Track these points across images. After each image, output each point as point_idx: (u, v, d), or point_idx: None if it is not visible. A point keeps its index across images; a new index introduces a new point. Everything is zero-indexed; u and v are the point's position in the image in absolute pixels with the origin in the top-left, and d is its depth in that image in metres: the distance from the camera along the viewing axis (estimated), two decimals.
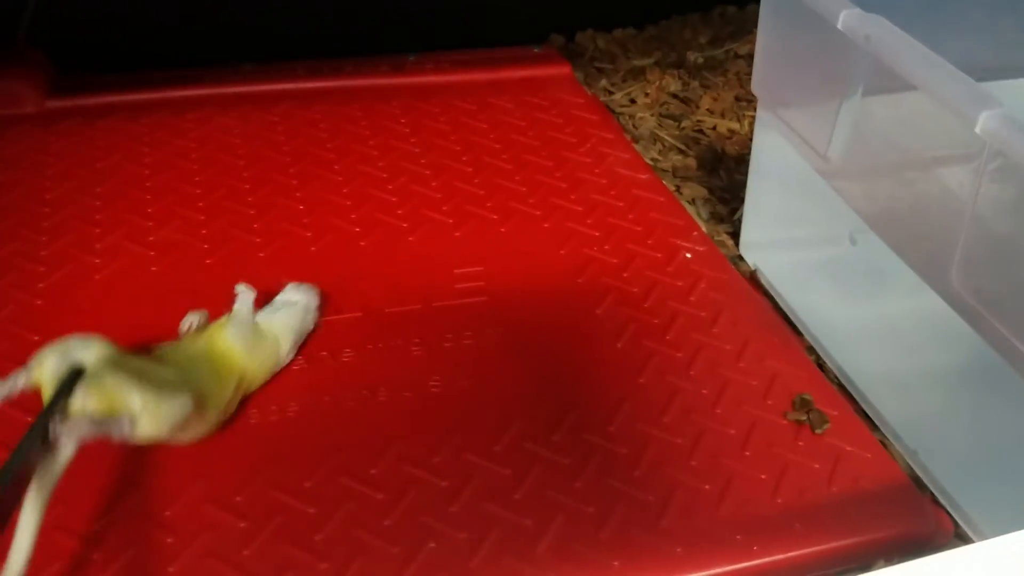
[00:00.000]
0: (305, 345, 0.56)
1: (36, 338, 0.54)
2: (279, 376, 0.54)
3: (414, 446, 0.50)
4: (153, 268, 0.60)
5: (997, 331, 0.45)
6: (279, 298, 0.56)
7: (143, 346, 0.51)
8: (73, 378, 0.43)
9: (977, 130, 0.42)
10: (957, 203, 0.47)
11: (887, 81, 0.49)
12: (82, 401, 0.43)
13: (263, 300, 0.55)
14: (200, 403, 0.47)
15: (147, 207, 0.65)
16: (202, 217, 0.65)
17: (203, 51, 0.83)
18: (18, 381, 0.44)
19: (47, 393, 0.43)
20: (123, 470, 0.48)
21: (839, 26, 0.50)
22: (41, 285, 0.58)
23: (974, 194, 0.45)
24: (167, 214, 0.65)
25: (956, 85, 0.43)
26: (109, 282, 0.59)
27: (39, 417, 0.42)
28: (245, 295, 0.53)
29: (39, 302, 0.57)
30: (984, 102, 0.42)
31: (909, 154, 0.53)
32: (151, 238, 0.62)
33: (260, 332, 0.52)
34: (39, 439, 0.41)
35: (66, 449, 0.42)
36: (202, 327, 0.52)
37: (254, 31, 0.86)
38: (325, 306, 0.58)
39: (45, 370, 0.44)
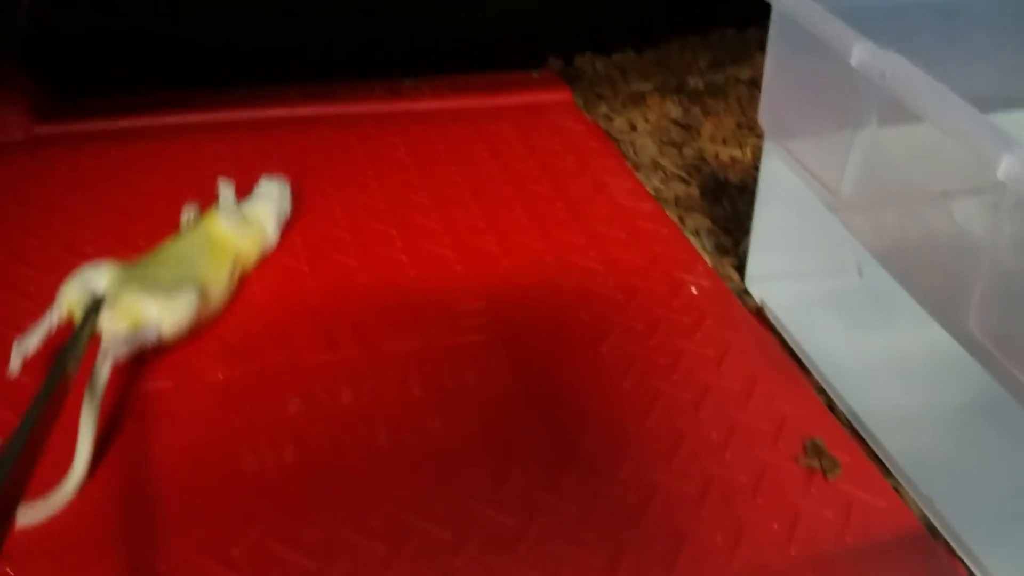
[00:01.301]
0: (303, 386, 0.54)
1: (25, 380, 0.52)
2: (275, 417, 0.52)
3: (415, 493, 0.49)
4: None
5: (1014, 376, 0.44)
6: (256, 191, 0.64)
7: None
8: (95, 305, 0.51)
9: (999, 174, 0.40)
10: (974, 243, 0.46)
11: (900, 113, 0.48)
12: (110, 324, 0.51)
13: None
14: (204, 291, 0.55)
15: (138, 239, 0.63)
16: None
17: (195, 73, 0.81)
18: (52, 318, 0.52)
19: (78, 317, 0.51)
20: (113, 519, 0.46)
21: (852, 62, 0.49)
22: (29, 322, 0.56)
23: (993, 236, 0.43)
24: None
25: (976, 127, 0.42)
26: None
27: (71, 340, 0.49)
28: (226, 188, 0.62)
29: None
30: (1005, 144, 0.41)
31: (921, 189, 0.52)
32: None
33: (246, 217, 0.62)
34: (74, 359, 0.48)
35: (105, 367, 0.49)
36: (197, 218, 0.61)
37: (246, 53, 0.85)
38: (323, 343, 0.57)
39: (71, 300, 0.52)
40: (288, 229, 0.66)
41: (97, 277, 0.53)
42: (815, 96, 0.57)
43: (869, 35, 0.52)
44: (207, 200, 0.63)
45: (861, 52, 0.48)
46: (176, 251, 0.57)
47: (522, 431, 0.53)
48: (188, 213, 0.62)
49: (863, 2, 0.61)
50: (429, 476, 0.50)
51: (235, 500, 0.47)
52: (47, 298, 0.58)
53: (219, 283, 0.57)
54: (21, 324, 0.56)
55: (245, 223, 0.61)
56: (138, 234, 0.64)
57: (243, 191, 0.68)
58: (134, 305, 0.52)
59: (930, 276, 0.50)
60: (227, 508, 0.47)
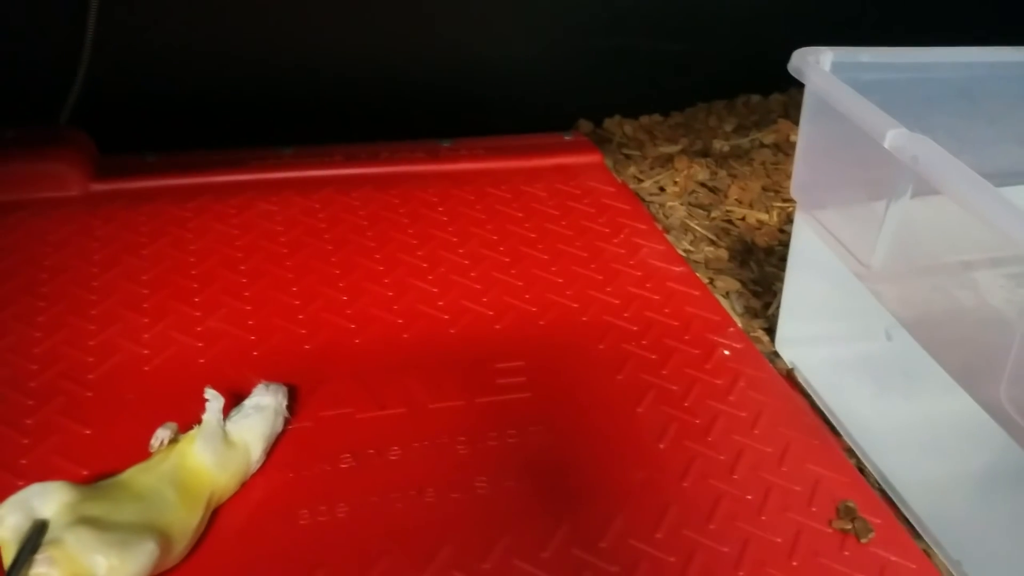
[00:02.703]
0: (353, 442, 0.56)
1: (88, 432, 0.55)
2: (330, 474, 0.54)
3: (462, 551, 0.50)
4: (201, 360, 0.61)
5: None
6: (249, 402, 0.55)
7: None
8: (36, 536, 0.43)
9: None
10: (1001, 316, 0.48)
11: (929, 189, 0.51)
12: (46, 570, 0.42)
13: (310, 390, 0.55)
14: (166, 541, 0.46)
15: (194, 296, 0.66)
16: (248, 307, 0.66)
17: (244, 133, 0.84)
18: None
19: (9, 554, 0.43)
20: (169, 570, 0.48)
21: (886, 145, 0.51)
22: (91, 376, 0.59)
23: (1022, 315, 0.46)
24: (214, 303, 0.65)
25: (1009, 215, 0.44)
26: (157, 373, 0.60)
27: None
28: (214, 404, 0.52)
29: (89, 394, 0.57)
30: None
31: (948, 260, 0.54)
32: (199, 328, 0.63)
33: (231, 442, 0.52)
34: None
35: None
36: (173, 441, 0.51)
37: (295, 115, 0.88)
38: (370, 401, 0.59)
39: (6, 528, 0.44)
40: (333, 287, 0.69)
41: (43, 503, 0.45)
42: (847, 172, 0.60)
43: (892, 108, 0.55)
44: (255, 265, 0.62)
45: (894, 136, 0.51)
46: (141, 484, 0.48)
47: (563, 490, 0.55)
48: (162, 434, 0.51)
49: (886, 75, 0.64)
50: (476, 533, 0.51)
51: (290, 554, 0.49)
52: (106, 352, 0.61)
53: (186, 531, 0.48)
54: (81, 379, 0.58)
55: (228, 449, 0.51)
56: (193, 291, 0.67)
57: (294, 256, 0.71)
58: (80, 555, 0.43)
59: (959, 347, 0.52)
60: (282, 562, 0.49)
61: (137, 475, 0.49)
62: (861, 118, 0.54)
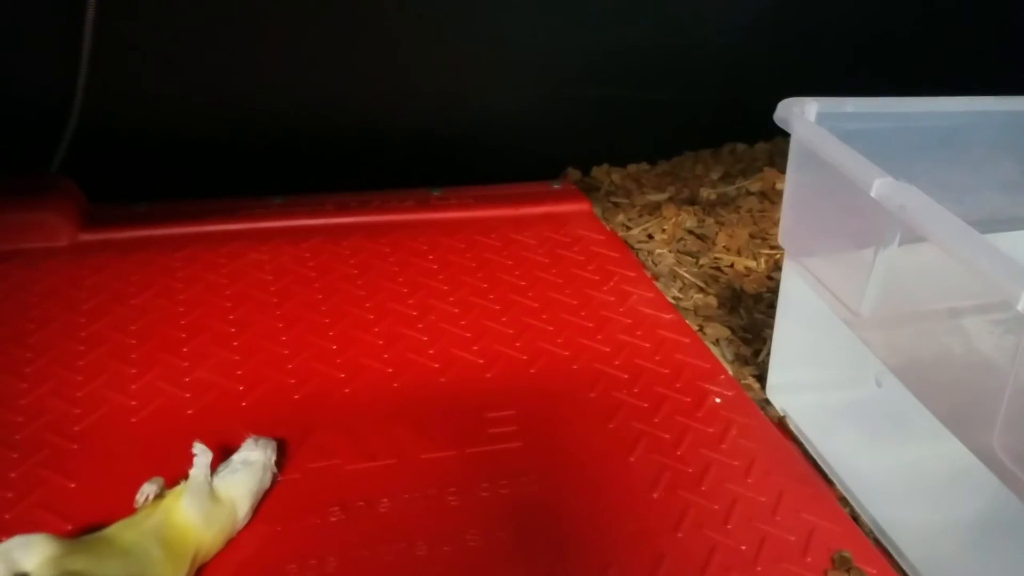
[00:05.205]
0: (342, 494, 0.55)
1: (72, 485, 0.54)
2: (319, 527, 0.53)
3: None
4: (189, 411, 0.60)
5: None
6: (237, 456, 0.54)
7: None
8: None
9: (1019, 307, 0.43)
10: (990, 362, 0.49)
11: (916, 237, 0.51)
12: None
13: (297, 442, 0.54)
14: None
15: (182, 346, 0.65)
16: (237, 357, 0.65)
17: (235, 183, 0.85)
18: None
19: None
20: None
21: (873, 194, 0.52)
22: (76, 428, 0.58)
23: (1015, 362, 0.46)
24: (202, 353, 0.65)
25: (996, 262, 0.45)
26: (144, 425, 0.59)
27: None
28: (201, 459, 0.51)
29: (75, 446, 0.57)
30: (1022, 279, 0.44)
31: (935, 307, 0.54)
32: (186, 379, 0.63)
33: (218, 498, 0.51)
34: None
35: None
36: (159, 496, 0.50)
37: (284, 164, 0.89)
38: (359, 451, 0.58)
39: None
40: (323, 336, 0.68)
41: (24, 555, 0.44)
42: (834, 220, 0.60)
43: (877, 156, 0.56)
44: (244, 314, 0.62)
45: (881, 185, 0.51)
46: (125, 540, 0.47)
47: (555, 542, 0.54)
48: (148, 489, 0.50)
49: (870, 124, 0.65)
50: None
51: None
52: (93, 403, 0.60)
53: None
54: (67, 431, 0.58)
55: (214, 506, 0.50)
56: (181, 341, 0.66)
57: (284, 306, 0.70)
58: None
59: (949, 393, 0.53)
60: None
61: (122, 530, 0.48)
62: (847, 168, 0.54)
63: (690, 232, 0.91)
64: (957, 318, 0.53)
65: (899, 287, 0.56)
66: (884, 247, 0.54)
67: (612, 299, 0.77)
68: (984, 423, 0.48)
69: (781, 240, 0.65)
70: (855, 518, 0.60)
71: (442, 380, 0.66)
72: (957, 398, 0.52)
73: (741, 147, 1.06)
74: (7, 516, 0.51)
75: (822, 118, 0.61)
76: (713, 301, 0.81)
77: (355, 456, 0.58)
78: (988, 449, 0.48)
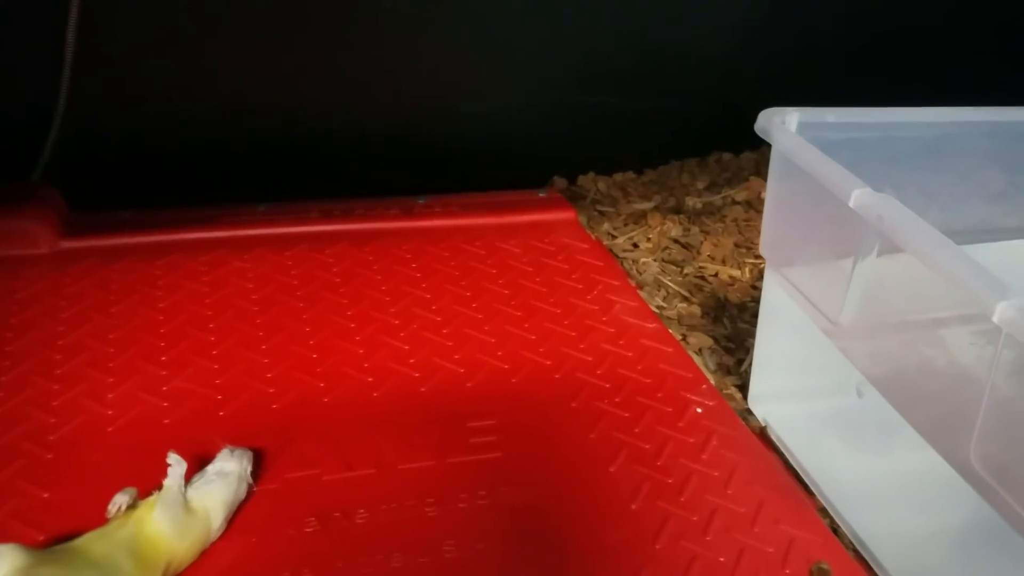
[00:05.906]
0: (319, 504, 0.55)
1: (46, 495, 0.53)
2: (294, 539, 0.53)
3: None
4: (166, 420, 0.60)
5: (1014, 508, 0.46)
6: (212, 467, 0.53)
7: None
8: None
9: (995, 319, 0.43)
10: (968, 374, 0.48)
11: (895, 248, 0.51)
12: None
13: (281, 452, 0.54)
14: None
15: (161, 355, 0.65)
16: (216, 366, 0.65)
17: (218, 190, 0.84)
18: None
19: None
20: None
21: (851, 205, 0.52)
22: (51, 437, 0.57)
23: (991, 374, 0.46)
24: (181, 362, 0.65)
25: (972, 274, 0.45)
26: (121, 434, 0.58)
27: None
28: (175, 469, 0.50)
29: (49, 456, 0.56)
30: (1000, 291, 0.43)
31: (915, 317, 0.54)
32: (164, 388, 0.62)
33: (191, 510, 0.50)
34: None
35: None
36: (132, 507, 0.49)
37: (268, 172, 0.88)
38: (337, 461, 0.58)
39: None
40: (304, 345, 0.68)
41: None
42: (814, 230, 0.60)
43: (862, 166, 0.55)
44: (224, 323, 0.62)
45: (859, 196, 0.51)
46: (96, 551, 0.46)
47: (534, 553, 0.54)
48: (120, 500, 0.49)
49: (853, 134, 0.65)
50: None
51: None
52: (70, 412, 0.59)
53: None
54: (42, 440, 0.57)
55: (188, 517, 0.50)
56: (160, 349, 0.66)
57: (265, 315, 0.70)
58: None
59: (928, 404, 0.52)
60: None
61: (93, 541, 0.47)
62: (827, 178, 0.54)
63: (675, 241, 0.91)
64: (936, 329, 0.53)
65: (878, 297, 0.55)
66: (863, 257, 0.54)
67: (596, 308, 0.77)
68: (961, 435, 0.48)
69: (762, 250, 0.65)
70: (835, 529, 0.60)
71: (423, 389, 0.66)
72: (935, 409, 0.52)
73: (727, 156, 1.07)
74: None
75: (803, 128, 0.61)
76: (697, 310, 0.80)
77: (333, 466, 0.58)
78: (965, 461, 0.48)
